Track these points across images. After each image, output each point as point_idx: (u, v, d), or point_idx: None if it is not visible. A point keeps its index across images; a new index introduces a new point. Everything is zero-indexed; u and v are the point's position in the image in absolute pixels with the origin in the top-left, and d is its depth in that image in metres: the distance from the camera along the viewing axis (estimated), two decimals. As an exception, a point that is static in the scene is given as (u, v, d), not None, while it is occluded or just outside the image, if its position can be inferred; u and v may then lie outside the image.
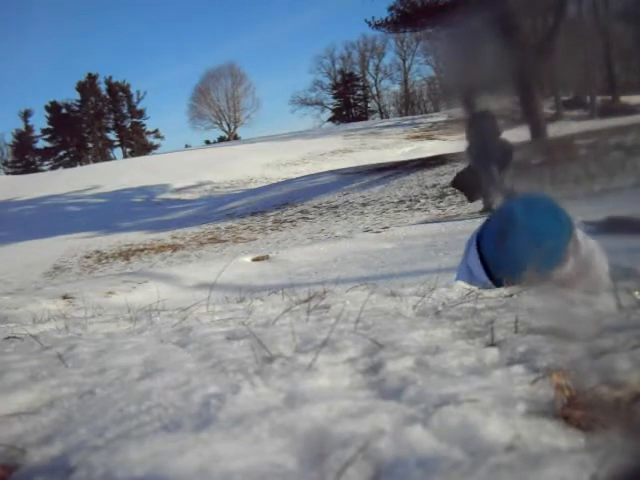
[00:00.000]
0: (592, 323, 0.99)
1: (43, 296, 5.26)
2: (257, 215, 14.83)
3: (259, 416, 0.71)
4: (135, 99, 57.46)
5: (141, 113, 58.07)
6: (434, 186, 12.73)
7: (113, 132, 57.81)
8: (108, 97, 56.81)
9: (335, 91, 58.60)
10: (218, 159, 27.80)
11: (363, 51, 57.54)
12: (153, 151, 55.50)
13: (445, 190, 12.20)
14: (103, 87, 56.87)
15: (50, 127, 55.83)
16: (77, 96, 55.71)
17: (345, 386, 0.83)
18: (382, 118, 50.66)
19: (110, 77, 57.01)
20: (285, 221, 13.14)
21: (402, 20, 19.75)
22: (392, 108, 58.10)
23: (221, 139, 55.32)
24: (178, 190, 23.45)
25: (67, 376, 1.00)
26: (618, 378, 0.71)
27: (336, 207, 13.31)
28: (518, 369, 0.83)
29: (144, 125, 58.55)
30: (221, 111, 56.11)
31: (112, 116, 57.33)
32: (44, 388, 0.94)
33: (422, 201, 11.90)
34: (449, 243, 6.42)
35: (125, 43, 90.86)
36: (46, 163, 55.95)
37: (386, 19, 20.28)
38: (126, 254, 12.58)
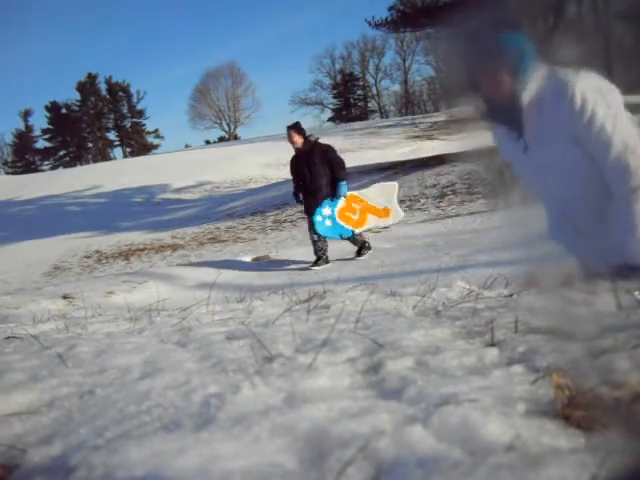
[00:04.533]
0: (592, 323, 0.99)
1: (43, 296, 5.26)
2: (257, 215, 14.82)
3: (259, 416, 0.71)
4: (135, 99, 57.45)
5: (141, 113, 58.03)
6: (434, 186, 12.72)
7: (113, 132, 57.78)
8: (108, 97, 56.75)
9: (335, 91, 58.54)
10: (218, 159, 27.79)
11: (363, 51, 57.52)
12: (153, 151, 55.45)
13: (445, 190, 12.20)
14: (103, 87, 56.87)
15: (50, 127, 55.79)
16: (77, 96, 55.72)
17: (345, 386, 0.83)
18: (382, 118, 50.63)
19: (110, 77, 57.02)
20: (285, 221, 13.13)
21: (402, 20, 19.73)
22: (392, 108, 58.08)
23: (221, 139, 55.25)
24: (178, 190, 23.45)
25: (67, 376, 1.00)
26: (618, 378, 0.71)
27: (336, 207, 13.29)
28: (518, 369, 0.83)
29: (144, 125, 58.54)
30: (221, 111, 56.09)
31: (112, 116, 57.27)
32: (44, 388, 0.94)
33: (422, 201, 11.89)
34: (449, 243, 6.41)
35: (125, 43, 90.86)
36: (46, 163, 55.93)
37: (386, 19, 20.27)
38: (126, 254, 12.57)
